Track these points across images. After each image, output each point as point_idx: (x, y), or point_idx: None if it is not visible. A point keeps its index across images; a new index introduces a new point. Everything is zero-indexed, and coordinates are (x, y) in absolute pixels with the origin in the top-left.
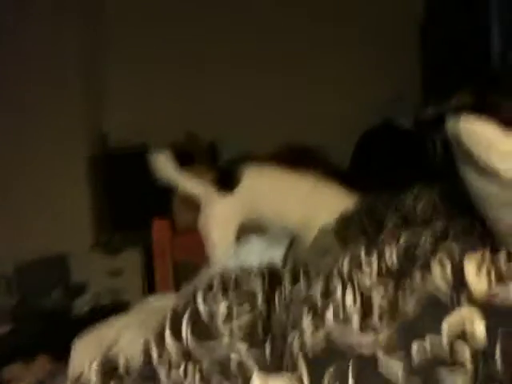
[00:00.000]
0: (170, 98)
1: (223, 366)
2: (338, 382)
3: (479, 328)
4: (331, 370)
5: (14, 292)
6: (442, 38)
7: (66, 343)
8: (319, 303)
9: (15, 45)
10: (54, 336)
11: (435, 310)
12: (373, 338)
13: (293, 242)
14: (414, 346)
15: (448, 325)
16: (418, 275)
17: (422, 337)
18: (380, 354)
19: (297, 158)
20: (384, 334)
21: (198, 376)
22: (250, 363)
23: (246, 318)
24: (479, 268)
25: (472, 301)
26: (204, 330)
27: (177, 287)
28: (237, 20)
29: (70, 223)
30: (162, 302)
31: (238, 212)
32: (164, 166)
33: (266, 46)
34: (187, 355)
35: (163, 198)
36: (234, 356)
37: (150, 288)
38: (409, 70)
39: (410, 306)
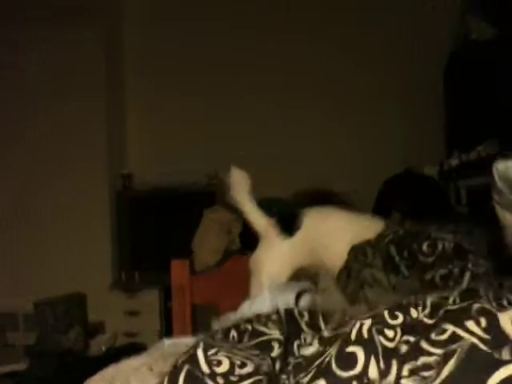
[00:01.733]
0: (193, 140)
1: None
2: None
3: None
4: None
5: (33, 329)
6: (466, 88)
7: (80, 383)
8: (335, 367)
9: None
10: (69, 375)
11: (476, 372)
12: None
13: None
14: None
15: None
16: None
17: None
18: None
19: (321, 201)
20: None
21: None
22: None
23: (245, 383)
24: None
25: None
26: None
27: (194, 330)
28: (261, 63)
29: (90, 262)
30: (176, 346)
31: (295, 257)
32: (240, 184)
33: (296, 85)
34: None
35: (183, 240)
36: None
37: (166, 330)
38: (434, 119)
39: (446, 370)
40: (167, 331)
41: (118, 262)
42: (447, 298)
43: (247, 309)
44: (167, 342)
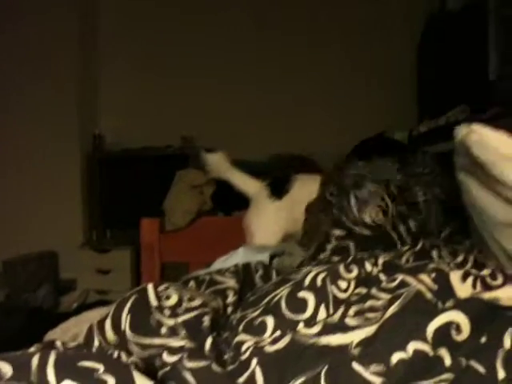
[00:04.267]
0: (167, 103)
1: (150, 364)
2: None
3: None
4: (304, 372)
5: (3, 286)
6: (438, 55)
7: None
8: (284, 308)
9: (12, 46)
10: (38, 330)
11: (418, 315)
12: (345, 343)
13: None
14: (394, 359)
15: (433, 328)
16: (398, 280)
17: (403, 345)
18: (355, 365)
19: (295, 165)
20: (358, 338)
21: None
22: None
23: (192, 314)
24: (464, 279)
25: (457, 305)
26: (143, 325)
27: None
28: (237, 26)
29: (61, 221)
30: None
31: (283, 219)
32: (219, 164)
33: (268, 54)
34: (122, 346)
35: (154, 199)
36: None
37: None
38: (406, 85)
39: (389, 311)
40: None
41: (90, 221)
42: (400, 257)
43: (219, 266)
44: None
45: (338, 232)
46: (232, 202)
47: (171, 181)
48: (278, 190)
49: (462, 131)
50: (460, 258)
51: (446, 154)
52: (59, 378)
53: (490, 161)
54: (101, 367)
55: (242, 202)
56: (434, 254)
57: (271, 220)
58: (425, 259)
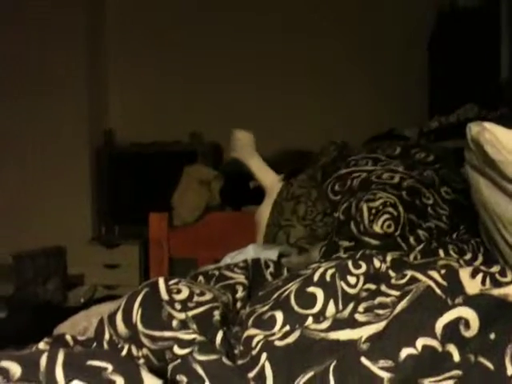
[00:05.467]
0: (176, 99)
1: (160, 356)
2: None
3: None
4: (312, 367)
5: (12, 280)
6: (449, 53)
7: None
8: (293, 303)
9: (23, 43)
10: (47, 326)
11: (427, 311)
12: (354, 339)
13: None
14: (402, 354)
15: (442, 324)
16: (407, 277)
17: (412, 340)
18: (363, 360)
19: (302, 162)
20: (367, 334)
21: (140, 361)
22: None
23: (202, 308)
24: (473, 275)
25: (466, 302)
26: (155, 318)
27: None
28: (245, 24)
29: (70, 216)
30: None
31: None
32: (244, 144)
33: (273, 52)
34: (133, 339)
35: (163, 194)
36: (175, 347)
37: None
38: (416, 83)
39: (399, 306)
40: None
41: (98, 216)
42: (407, 255)
43: (229, 261)
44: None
45: (345, 243)
46: (240, 198)
47: (179, 176)
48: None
49: (474, 129)
50: (468, 256)
51: (456, 150)
52: (68, 379)
53: (502, 159)
54: (109, 366)
55: (250, 197)
56: (441, 252)
57: None
58: (432, 257)
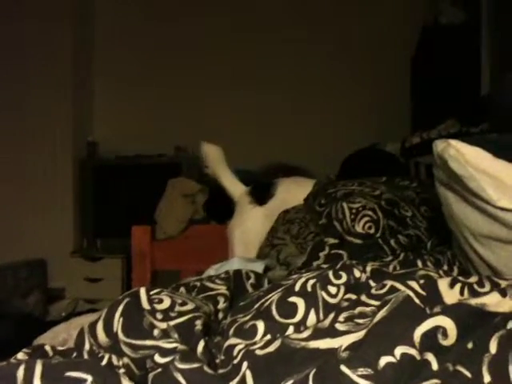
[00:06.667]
0: (161, 112)
1: (141, 365)
2: None
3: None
4: (292, 375)
5: None
6: (431, 68)
7: None
8: (275, 312)
9: (9, 51)
10: (27, 337)
11: (406, 320)
12: (334, 347)
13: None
14: (382, 362)
15: (420, 333)
16: (387, 287)
17: (391, 349)
18: (342, 368)
19: (286, 174)
20: (347, 343)
21: (121, 370)
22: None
23: (184, 318)
24: (452, 285)
25: (444, 311)
26: (136, 327)
27: None
28: (233, 34)
29: (52, 228)
30: None
31: (266, 224)
32: (214, 157)
33: (265, 65)
34: (113, 348)
35: (146, 208)
36: (156, 356)
37: None
38: (399, 97)
39: (378, 315)
40: None
41: (81, 229)
42: (387, 266)
43: (212, 273)
44: None
45: (331, 240)
46: (224, 211)
47: (163, 189)
48: (261, 195)
49: (439, 145)
50: (445, 267)
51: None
52: None
53: (466, 175)
54: (89, 378)
55: (234, 210)
56: (419, 263)
57: (255, 225)
58: (411, 268)
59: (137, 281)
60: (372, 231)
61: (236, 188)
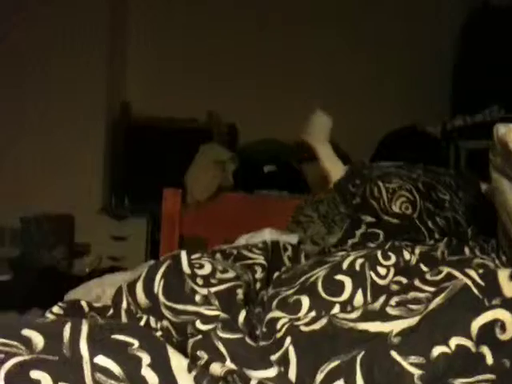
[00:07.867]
0: (196, 76)
1: (182, 331)
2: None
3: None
4: (338, 356)
5: (18, 244)
6: (478, 51)
7: (61, 298)
8: (321, 289)
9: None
10: (50, 292)
11: (463, 310)
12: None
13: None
14: (435, 352)
15: (478, 325)
16: (443, 273)
17: (446, 338)
18: (393, 353)
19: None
20: (398, 328)
21: (159, 333)
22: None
23: (225, 286)
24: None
25: (504, 304)
26: (177, 290)
27: None
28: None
29: (81, 185)
30: None
31: None
32: (320, 129)
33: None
34: (152, 310)
35: (177, 172)
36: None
37: (152, 257)
38: (440, 82)
39: (433, 303)
40: (152, 259)
41: (109, 188)
42: (435, 250)
43: (244, 242)
44: (151, 263)
45: (369, 218)
46: (253, 181)
47: (194, 154)
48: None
49: (501, 129)
50: (492, 256)
51: (480, 152)
52: (92, 353)
53: None
54: (135, 342)
55: (263, 181)
56: (467, 250)
57: None
58: (458, 254)
59: (165, 243)
60: (409, 212)
61: (335, 165)
